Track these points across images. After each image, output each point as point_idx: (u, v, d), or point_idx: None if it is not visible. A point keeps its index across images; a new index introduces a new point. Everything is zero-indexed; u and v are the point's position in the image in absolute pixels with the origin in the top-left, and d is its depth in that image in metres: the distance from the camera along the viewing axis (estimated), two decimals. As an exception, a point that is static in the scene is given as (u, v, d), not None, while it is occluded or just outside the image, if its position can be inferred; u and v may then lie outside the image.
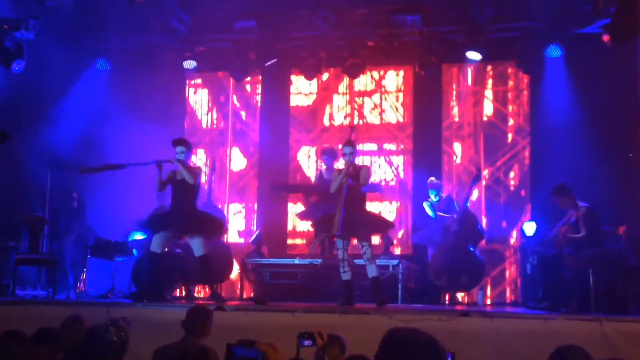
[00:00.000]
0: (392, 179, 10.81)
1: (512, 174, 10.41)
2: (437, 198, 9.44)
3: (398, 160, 10.85)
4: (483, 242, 9.54)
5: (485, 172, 10.27)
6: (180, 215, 8.15)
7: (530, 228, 9.14)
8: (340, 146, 8.32)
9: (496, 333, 6.42)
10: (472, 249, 9.01)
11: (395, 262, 9.03)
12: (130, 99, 10.46)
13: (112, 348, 4.27)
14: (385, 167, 10.86)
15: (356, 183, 7.72)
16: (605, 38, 8.70)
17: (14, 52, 9.51)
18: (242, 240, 10.99)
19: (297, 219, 10.87)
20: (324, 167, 9.79)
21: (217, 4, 9.80)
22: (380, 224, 8.28)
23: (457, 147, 10.57)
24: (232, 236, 11.01)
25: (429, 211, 9.32)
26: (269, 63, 10.60)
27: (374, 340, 2.51)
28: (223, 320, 6.53)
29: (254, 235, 10.34)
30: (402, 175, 10.76)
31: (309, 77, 10.83)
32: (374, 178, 10.05)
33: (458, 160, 10.62)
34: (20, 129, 9.66)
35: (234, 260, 9.88)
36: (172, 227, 8.19)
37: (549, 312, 7.48)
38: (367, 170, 7.95)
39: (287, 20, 10.11)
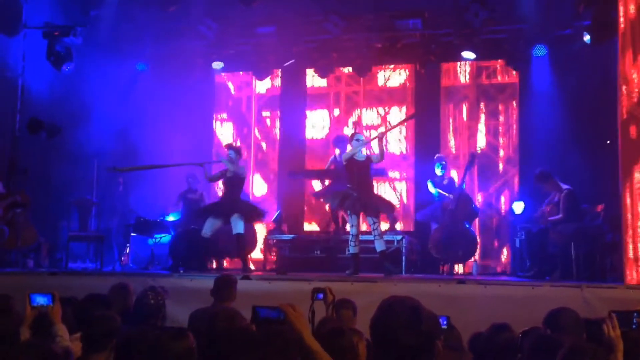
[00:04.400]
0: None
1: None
2: (442, 172, 9.31)
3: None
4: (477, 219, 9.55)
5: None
6: (229, 203, 8.44)
7: (518, 207, 9.08)
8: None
9: (489, 298, 6.42)
10: (467, 225, 8.99)
11: (399, 237, 9.01)
12: (165, 97, 10.48)
13: (151, 310, 4.36)
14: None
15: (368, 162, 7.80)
16: (586, 38, 8.64)
17: (64, 55, 9.58)
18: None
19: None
20: (337, 152, 9.78)
21: (240, 12, 9.78)
22: (388, 206, 8.32)
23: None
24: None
25: (432, 189, 9.23)
26: (286, 64, 10.60)
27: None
28: (249, 288, 6.59)
29: (275, 215, 10.36)
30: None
31: (322, 76, 10.83)
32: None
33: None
34: (70, 123, 9.75)
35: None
36: (222, 214, 8.40)
37: (535, 280, 7.47)
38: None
39: (302, 25, 10.09)
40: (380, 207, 7.96)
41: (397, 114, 10.97)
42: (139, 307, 4.50)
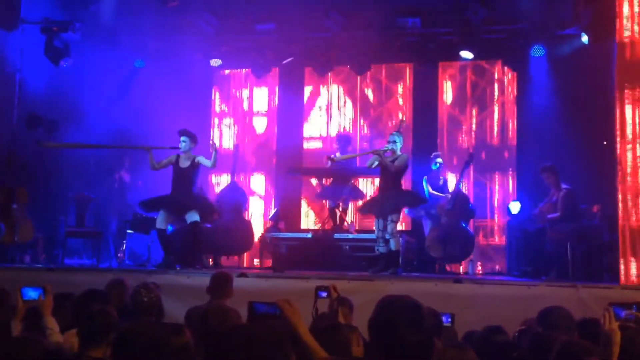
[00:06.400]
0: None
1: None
2: (439, 170, 9.33)
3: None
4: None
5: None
6: (182, 199, 8.07)
7: (515, 207, 9.12)
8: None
9: (485, 297, 6.44)
10: (463, 225, 9.01)
11: (396, 236, 9.02)
12: (163, 93, 10.44)
13: (144, 307, 4.39)
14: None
15: (390, 167, 7.77)
16: (584, 39, 8.67)
17: (62, 50, 9.56)
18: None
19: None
20: (338, 154, 9.80)
21: (240, 8, 9.79)
22: (410, 200, 8.33)
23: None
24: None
25: (425, 188, 9.25)
26: (285, 61, 10.59)
27: (378, 302, 2.54)
28: (246, 286, 6.59)
29: (272, 213, 10.36)
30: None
31: (321, 74, 10.81)
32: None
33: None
34: (68, 119, 9.74)
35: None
36: (175, 210, 8.12)
37: (532, 279, 7.50)
38: (404, 159, 7.93)
39: (302, 22, 10.08)
40: (388, 208, 7.79)
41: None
42: (133, 304, 4.54)
